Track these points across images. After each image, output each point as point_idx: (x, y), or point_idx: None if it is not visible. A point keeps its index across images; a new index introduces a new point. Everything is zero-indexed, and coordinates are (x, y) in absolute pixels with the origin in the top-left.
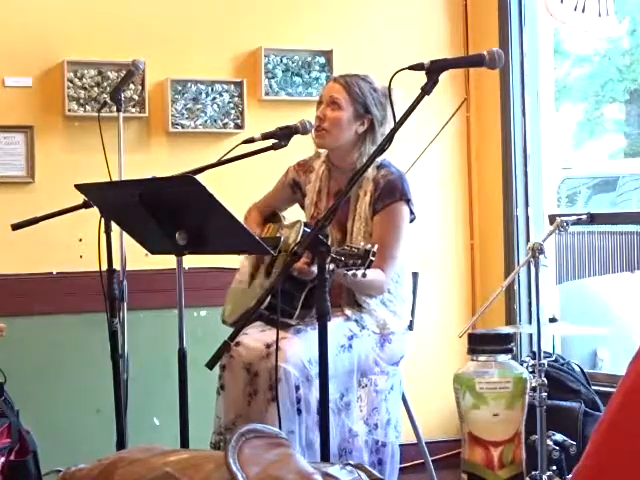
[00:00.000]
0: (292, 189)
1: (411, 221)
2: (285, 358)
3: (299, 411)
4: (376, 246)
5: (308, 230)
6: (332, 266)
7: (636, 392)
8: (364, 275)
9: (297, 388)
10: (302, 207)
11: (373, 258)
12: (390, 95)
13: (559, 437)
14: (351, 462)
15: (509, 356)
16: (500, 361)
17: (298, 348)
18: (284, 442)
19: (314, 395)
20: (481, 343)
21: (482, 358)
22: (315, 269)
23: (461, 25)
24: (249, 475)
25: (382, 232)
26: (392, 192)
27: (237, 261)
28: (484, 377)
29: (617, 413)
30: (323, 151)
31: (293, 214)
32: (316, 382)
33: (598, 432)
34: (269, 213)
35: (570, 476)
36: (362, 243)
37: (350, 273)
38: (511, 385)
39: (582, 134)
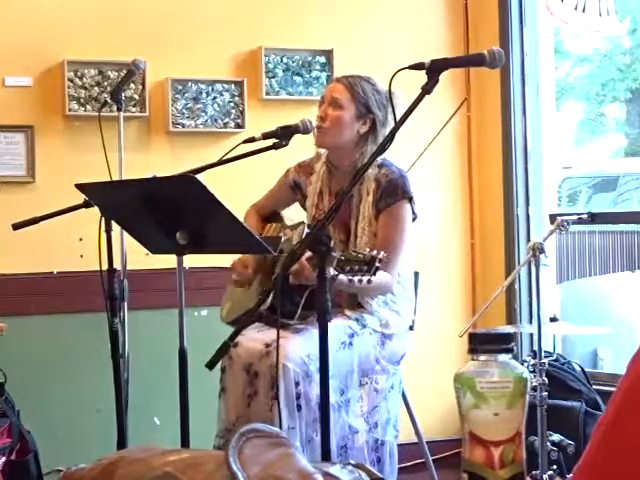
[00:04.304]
0: (292, 190)
1: (413, 220)
2: (284, 354)
3: (299, 407)
4: (382, 253)
5: None
6: (333, 272)
7: (636, 391)
8: (369, 282)
9: (297, 384)
10: (303, 208)
11: (379, 265)
12: (391, 97)
13: (556, 437)
14: (352, 461)
15: (510, 356)
16: (501, 361)
17: (297, 345)
18: (285, 441)
19: (314, 391)
20: (482, 343)
21: (483, 358)
22: (314, 274)
23: (461, 24)
24: (250, 475)
25: (386, 232)
26: (394, 191)
27: None
28: (485, 377)
29: (617, 412)
30: (323, 152)
31: (295, 214)
32: (316, 378)
33: (598, 431)
34: (269, 213)
35: (570, 475)
36: (367, 249)
37: (356, 279)
38: (512, 385)
39: (583, 133)
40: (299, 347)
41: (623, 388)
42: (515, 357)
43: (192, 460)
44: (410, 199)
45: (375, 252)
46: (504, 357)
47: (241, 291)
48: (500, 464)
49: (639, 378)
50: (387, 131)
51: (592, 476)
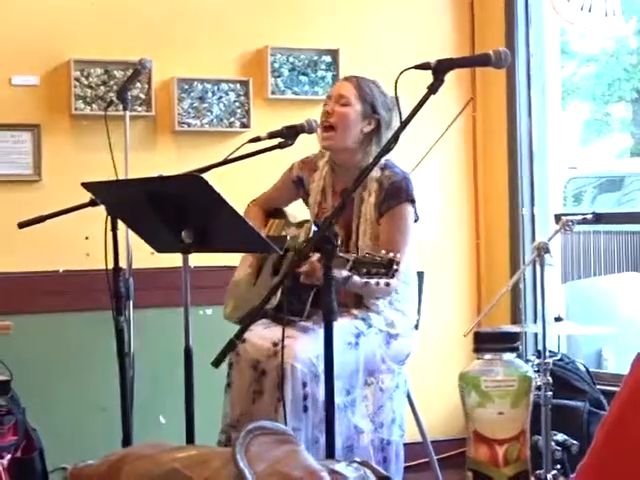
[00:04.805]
0: (296, 186)
1: (415, 221)
2: (293, 355)
3: (305, 408)
4: (399, 255)
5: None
6: (345, 273)
7: (639, 391)
8: (387, 284)
9: (304, 385)
10: (306, 204)
11: (397, 267)
12: (397, 97)
13: (560, 437)
14: (357, 459)
15: (514, 355)
16: (505, 360)
17: (306, 345)
18: (291, 439)
19: (321, 392)
20: (487, 342)
21: (487, 356)
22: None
23: (467, 25)
24: (256, 471)
25: (389, 235)
26: (398, 193)
27: None
28: (489, 375)
29: (621, 412)
30: None
31: (299, 211)
32: (323, 379)
33: (602, 430)
34: (271, 209)
35: (574, 474)
36: (383, 251)
37: (373, 281)
38: (516, 383)
39: (589, 133)
40: (307, 348)
41: (627, 388)
42: (519, 356)
43: (199, 457)
44: (413, 201)
45: (392, 255)
46: (509, 356)
47: (244, 289)
48: (504, 462)
49: None
50: (391, 134)
51: (595, 475)
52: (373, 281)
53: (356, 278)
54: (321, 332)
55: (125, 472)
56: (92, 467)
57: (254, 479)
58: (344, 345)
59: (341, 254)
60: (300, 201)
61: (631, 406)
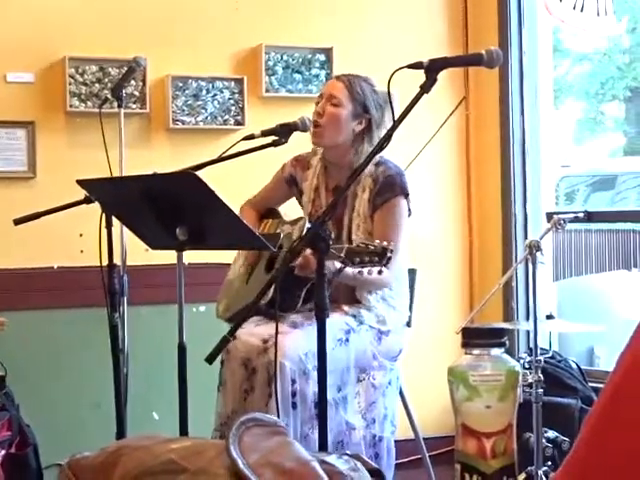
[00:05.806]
0: (289, 185)
1: (408, 216)
2: (282, 352)
3: (294, 405)
4: (392, 243)
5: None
6: (339, 264)
7: (625, 387)
8: (380, 272)
9: (293, 382)
10: (299, 203)
11: (390, 255)
12: (390, 96)
13: (551, 434)
14: (348, 452)
15: (502, 350)
16: (493, 355)
17: (295, 342)
18: (282, 430)
19: (311, 389)
20: (475, 337)
21: (475, 352)
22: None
23: (461, 23)
24: (249, 461)
25: (384, 228)
26: (391, 187)
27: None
28: (477, 370)
29: (606, 406)
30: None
31: (293, 210)
32: (313, 375)
33: (588, 424)
34: (265, 209)
35: (559, 469)
36: (377, 241)
37: (365, 270)
38: (503, 378)
39: (582, 132)
40: (296, 344)
41: (613, 382)
42: (512, 354)
43: (194, 448)
44: (407, 195)
45: (385, 243)
46: (496, 351)
47: (237, 287)
48: (492, 455)
49: (629, 372)
50: (382, 133)
51: (583, 465)
52: (366, 270)
53: (348, 269)
54: (310, 328)
55: (122, 463)
56: (89, 458)
57: (247, 469)
58: (334, 342)
59: (335, 248)
60: (294, 201)
61: (616, 401)
